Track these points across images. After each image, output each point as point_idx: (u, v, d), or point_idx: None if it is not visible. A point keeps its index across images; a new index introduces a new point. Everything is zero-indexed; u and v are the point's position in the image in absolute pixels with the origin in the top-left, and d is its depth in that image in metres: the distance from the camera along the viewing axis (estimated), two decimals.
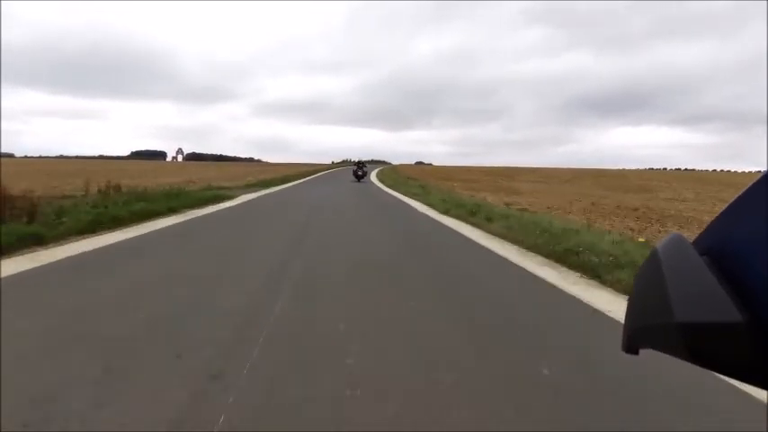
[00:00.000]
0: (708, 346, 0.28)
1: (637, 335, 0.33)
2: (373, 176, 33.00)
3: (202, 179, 21.38)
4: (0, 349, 2.12)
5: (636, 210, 12.35)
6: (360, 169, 29.67)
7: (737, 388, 1.56)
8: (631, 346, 0.34)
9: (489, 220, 7.64)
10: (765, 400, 1.47)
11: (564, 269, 4.41)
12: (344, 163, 69.39)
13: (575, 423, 1.65)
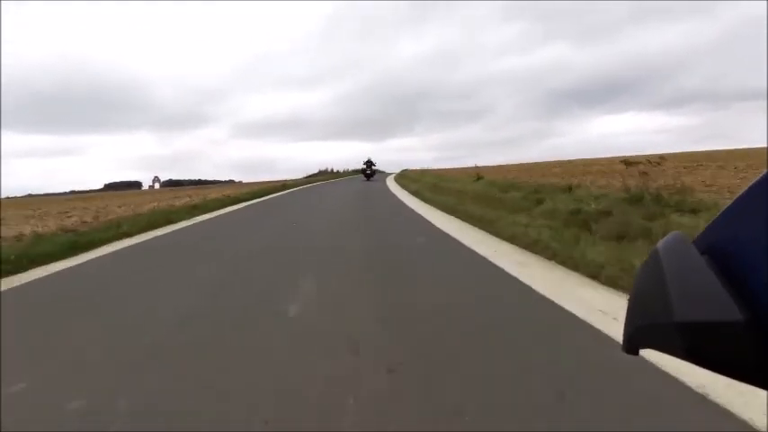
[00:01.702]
0: (708, 346, 0.27)
1: (637, 334, 0.33)
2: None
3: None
4: None
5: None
6: (368, 168, 29.06)
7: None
8: (631, 346, 0.34)
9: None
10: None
11: None
12: (322, 174, 57.29)
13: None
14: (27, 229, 7.72)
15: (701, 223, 3.89)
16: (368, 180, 27.76)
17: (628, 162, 5.89)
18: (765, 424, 1.08)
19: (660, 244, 0.33)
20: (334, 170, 64.84)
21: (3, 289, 3.99)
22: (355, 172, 41.03)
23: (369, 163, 29.43)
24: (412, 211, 9.11)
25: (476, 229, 6.10)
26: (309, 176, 54.79)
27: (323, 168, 66.80)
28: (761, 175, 0.29)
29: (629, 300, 0.35)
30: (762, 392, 0.28)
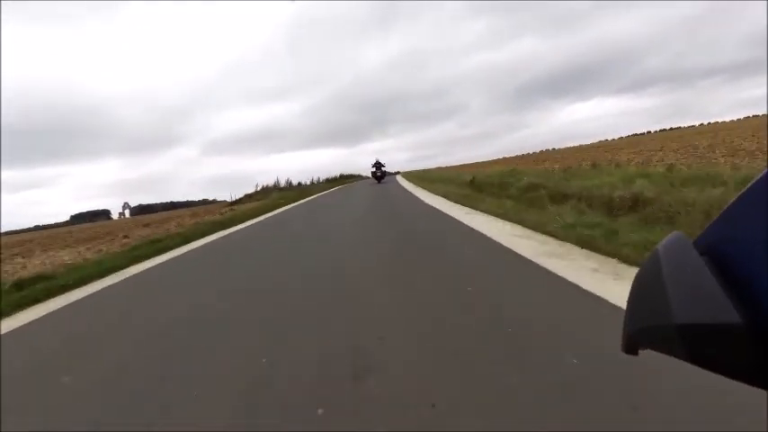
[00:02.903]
0: (707, 347, 0.27)
1: (636, 335, 0.33)
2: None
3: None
4: None
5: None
6: (378, 170, 27.99)
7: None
8: (631, 347, 0.34)
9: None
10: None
11: None
12: (262, 193, 29.73)
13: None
14: None
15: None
16: (378, 183, 26.51)
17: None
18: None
19: (660, 245, 0.33)
20: (293, 183, 34.24)
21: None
22: (330, 182, 36.29)
23: (378, 164, 28.35)
24: None
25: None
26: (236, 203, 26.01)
27: (267, 185, 32.76)
28: (760, 175, 0.29)
29: (628, 300, 0.35)
30: (762, 393, 0.28)
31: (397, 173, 54.80)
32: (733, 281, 0.28)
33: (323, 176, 42.50)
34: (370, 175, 30.80)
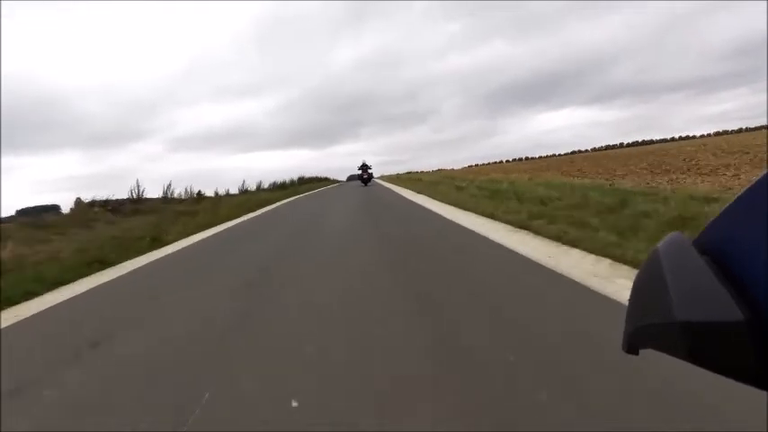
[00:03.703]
0: (708, 346, 0.27)
1: (636, 334, 0.33)
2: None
3: None
4: None
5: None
6: (364, 172, 27.01)
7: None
8: (631, 346, 0.34)
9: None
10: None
11: None
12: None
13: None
14: None
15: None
16: (365, 186, 25.61)
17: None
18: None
19: (660, 244, 0.34)
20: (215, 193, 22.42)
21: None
22: (281, 189, 30.70)
23: (364, 166, 27.29)
24: None
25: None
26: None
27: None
28: (761, 175, 0.30)
29: (629, 299, 0.35)
30: (762, 393, 0.28)
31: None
32: (733, 279, 0.28)
33: (289, 178, 34.45)
34: (345, 179, 30.64)
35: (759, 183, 0.30)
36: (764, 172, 0.29)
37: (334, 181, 53.96)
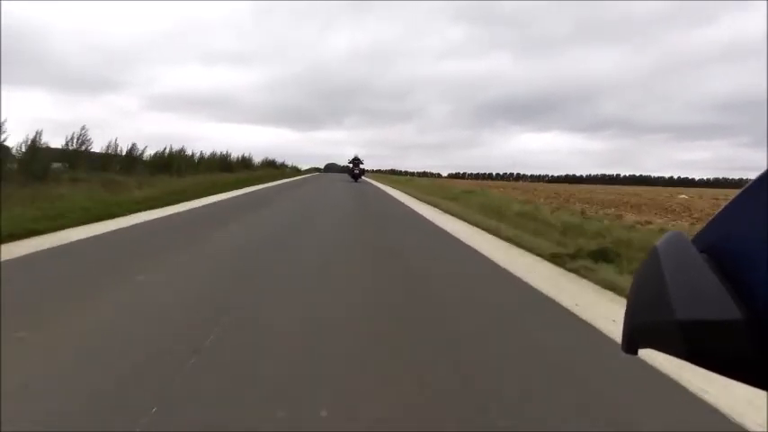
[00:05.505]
0: (707, 345, 0.27)
1: (636, 334, 0.33)
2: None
3: None
4: None
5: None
6: (356, 167, 25.52)
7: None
8: (631, 346, 0.34)
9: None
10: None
11: None
12: None
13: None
14: None
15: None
16: (355, 181, 24.51)
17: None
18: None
19: (659, 243, 0.33)
20: None
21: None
22: (268, 166, 30.25)
23: (356, 161, 26.03)
24: None
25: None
26: None
27: None
28: (760, 174, 0.30)
29: (627, 299, 0.35)
30: (762, 393, 0.28)
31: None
32: (732, 278, 0.28)
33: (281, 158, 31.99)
34: (322, 167, 29.65)
35: (758, 181, 0.30)
36: (763, 171, 0.29)
37: (312, 170, 47.06)
